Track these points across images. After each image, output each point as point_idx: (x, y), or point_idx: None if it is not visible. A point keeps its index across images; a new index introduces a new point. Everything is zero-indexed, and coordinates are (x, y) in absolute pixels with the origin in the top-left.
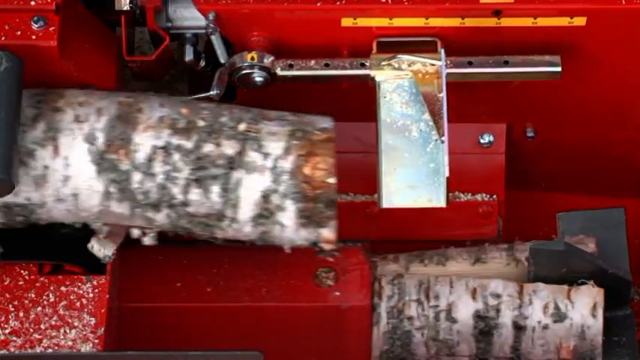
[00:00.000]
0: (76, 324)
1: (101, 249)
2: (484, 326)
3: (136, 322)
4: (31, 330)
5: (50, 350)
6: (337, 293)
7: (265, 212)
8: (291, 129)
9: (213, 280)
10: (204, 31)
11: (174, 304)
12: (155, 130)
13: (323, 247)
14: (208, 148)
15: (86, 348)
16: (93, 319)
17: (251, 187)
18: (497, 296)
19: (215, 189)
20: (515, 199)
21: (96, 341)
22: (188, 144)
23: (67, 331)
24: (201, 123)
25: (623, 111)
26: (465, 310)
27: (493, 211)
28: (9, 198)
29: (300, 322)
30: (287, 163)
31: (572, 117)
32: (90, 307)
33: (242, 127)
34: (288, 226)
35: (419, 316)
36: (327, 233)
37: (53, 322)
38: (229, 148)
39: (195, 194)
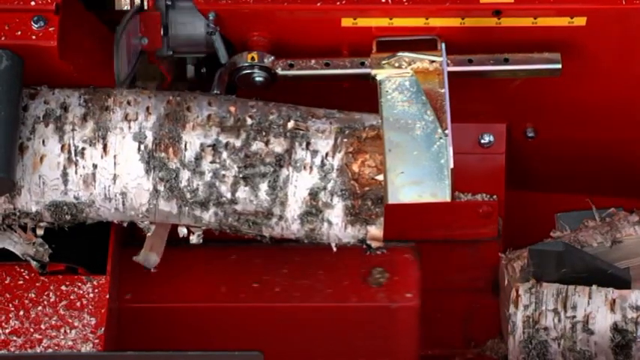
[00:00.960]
0: (76, 324)
1: (146, 260)
2: (621, 339)
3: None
4: (32, 330)
5: (50, 350)
6: (386, 293)
7: (313, 210)
8: (339, 126)
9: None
10: (204, 55)
11: (214, 304)
12: (203, 128)
13: (371, 244)
14: (257, 145)
15: (86, 348)
16: (93, 319)
17: (299, 185)
18: (637, 309)
19: (263, 187)
20: (516, 199)
21: (96, 341)
22: (237, 142)
23: (68, 331)
24: (249, 121)
25: (623, 111)
26: (603, 321)
27: (493, 211)
28: (58, 196)
29: (348, 322)
30: (335, 161)
31: (572, 117)
32: (90, 307)
33: (291, 124)
34: (336, 224)
35: (555, 327)
36: (375, 230)
37: (53, 322)
38: (278, 145)
39: (243, 192)
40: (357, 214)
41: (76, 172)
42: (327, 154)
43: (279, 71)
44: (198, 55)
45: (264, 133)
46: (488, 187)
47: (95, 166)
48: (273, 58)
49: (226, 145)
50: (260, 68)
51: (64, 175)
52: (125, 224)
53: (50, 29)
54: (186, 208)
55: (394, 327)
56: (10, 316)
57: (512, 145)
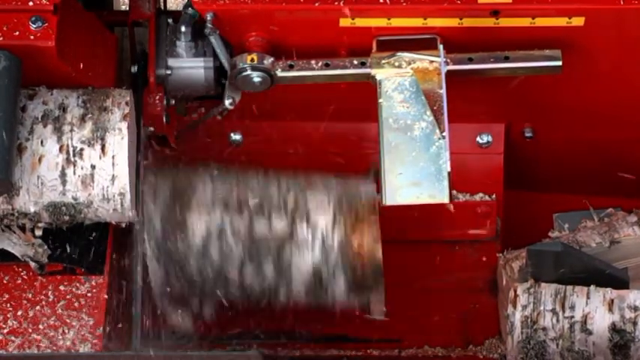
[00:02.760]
0: (74, 324)
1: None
2: (619, 339)
3: None
4: (30, 330)
5: (49, 350)
6: None
7: (317, 284)
8: (336, 199)
9: None
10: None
11: None
12: None
13: (373, 313)
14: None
15: (84, 348)
16: (91, 319)
17: (302, 263)
18: (635, 309)
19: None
20: (514, 199)
21: (94, 341)
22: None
23: (66, 331)
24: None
25: (621, 111)
26: (601, 322)
27: (492, 211)
28: (56, 197)
29: None
30: (335, 236)
31: (571, 117)
32: (88, 307)
33: (290, 205)
34: (339, 295)
35: (553, 327)
36: (376, 299)
37: (52, 322)
38: (279, 222)
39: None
40: (359, 284)
41: (74, 173)
42: (326, 230)
43: (279, 73)
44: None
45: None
46: (487, 187)
47: (94, 167)
48: (272, 59)
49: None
50: (260, 70)
51: (63, 175)
52: (124, 225)
53: (48, 29)
54: None
55: None
56: (9, 316)
57: (510, 145)
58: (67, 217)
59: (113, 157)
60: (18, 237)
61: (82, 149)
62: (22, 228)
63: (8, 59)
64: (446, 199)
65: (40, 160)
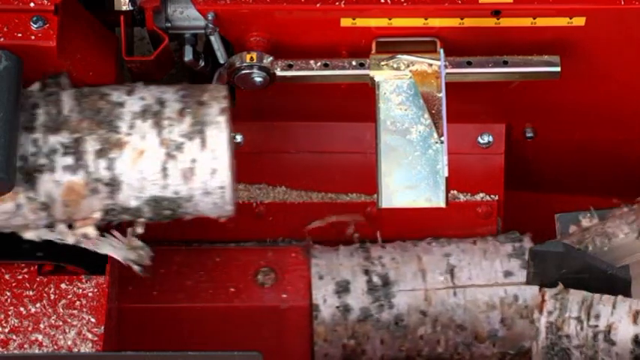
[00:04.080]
0: (75, 323)
1: None
2: None
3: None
4: (31, 329)
5: (49, 350)
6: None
7: None
8: None
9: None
10: (203, 31)
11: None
12: None
13: None
14: None
15: (85, 348)
16: (92, 318)
17: None
18: None
19: None
20: (515, 200)
21: (95, 340)
22: None
23: (67, 330)
24: None
25: (622, 111)
26: (625, 333)
27: (492, 212)
28: (157, 191)
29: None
30: None
31: (572, 117)
32: (89, 306)
33: None
34: None
35: (577, 335)
36: None
37: (52, 322)
38: None
39: None
40: None
41: (175, 167)
42: None
43: (278, 72)
44: (197, 31)
45: None
46: (488, 188)
47: (194, 161)
48: (272, 58)
49: None
50: (259, 68)
51: (164, 169)
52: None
53: (49, 30)
54: None
55: (285, 328)
56: (9, 314)
57: (511, 146)
58: (167, 212)
59: (213, 150)
60: (119, 241)
61: (182, 143)
62: (123, 231)
63: (9, 59)
64: (442, 204)
65: (141, 154)
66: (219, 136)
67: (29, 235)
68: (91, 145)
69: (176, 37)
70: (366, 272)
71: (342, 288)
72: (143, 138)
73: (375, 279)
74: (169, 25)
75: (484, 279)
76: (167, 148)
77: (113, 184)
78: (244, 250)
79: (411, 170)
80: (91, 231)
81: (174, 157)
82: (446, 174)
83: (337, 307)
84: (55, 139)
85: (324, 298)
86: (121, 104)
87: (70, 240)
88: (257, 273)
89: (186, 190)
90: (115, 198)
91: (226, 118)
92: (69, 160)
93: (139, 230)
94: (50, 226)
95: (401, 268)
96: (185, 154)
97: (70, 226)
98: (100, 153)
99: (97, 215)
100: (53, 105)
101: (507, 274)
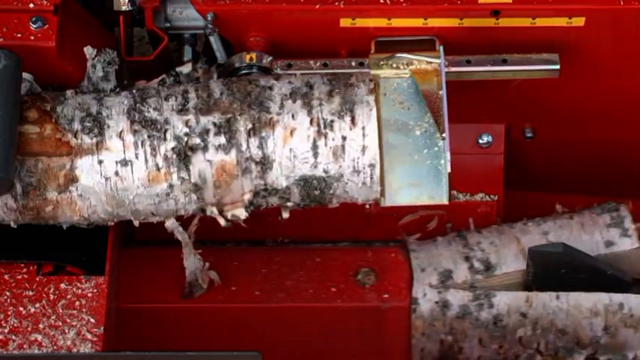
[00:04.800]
0: (74, 323)
1: None
2: None
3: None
4: (30, 329)
5: (49, 350)
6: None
7: None
8: None
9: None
10: (202, 31)
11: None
12: None
13: None
14: None
15: (85, 348)
16: (92, 318)
17: None
18: None
19: None
20: (514, 200)
21: (95, 340)
22: None
23: (66, 330)
24: None
25: (622, 111)
26: None
27: (492, 212)
28: (307, 170)
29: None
30: None
31: (571, 117)
32: (89, 306)
33: None
34: None
35: None
36: None
37: (52, 322)
38: None
39: None
40: None
41: (325, 145)
42: None
43: (278, 72)
44: (196, 30)
45: None
46: (487, 188)
47: (344, 138)
48: (271, 58)
49: None
50: (259, 68)
51: (314, 147)
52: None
53: (49, 30)
54: None
55: (385, 328)
56: (9, 315)
57: (510, 146)
58: (317, 192)
59: (363, 128)
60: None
61: (332, 121)
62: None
63: (8, 59)
64: (445, 200)
65: (291, 133)
66: (368, 114)
67: (168, 224)
68: (242, 125)
69: (176, 38)
70: (467, 259)
71: (445, 277)
72: (293, 117)
73: (477, 264)
74: (169, 25)
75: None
76: (317, 127)
77: (264, 163)
78: (343, 250)
79: (414, 168)
80: (242, 212)
81: (324, 135)
82: (448, 170)
83: (436, 303)
84: (207, 120)
85: (424, 293)
86: (270, 87)
87: (222, 222)
88: (357, 273)
89: (336, 169)
90: (265, 178)
91: (375, 99)
92: (221, 140)
93: (285, 215)
94: (201, 211)
95: (501, 251)
96: (335, 132)
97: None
98: (252, 132)
99: (247, 197)
100: (203, 90)
101: (608, 244)
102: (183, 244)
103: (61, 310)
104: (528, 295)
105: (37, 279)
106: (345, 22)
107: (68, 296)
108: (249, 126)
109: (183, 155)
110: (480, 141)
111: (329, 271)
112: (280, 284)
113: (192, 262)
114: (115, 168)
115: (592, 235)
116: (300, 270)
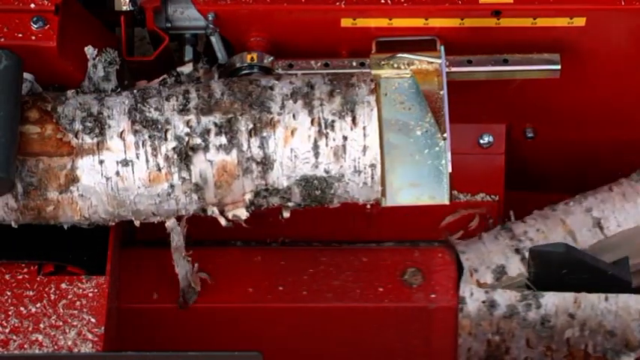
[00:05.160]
0: (75, 323)
1: None
2: None
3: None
4: (31, 329)
5: (49, 350)
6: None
7: None
8: None
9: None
10: (203, 31)
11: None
12: None
13: None
14: None
15: (86, 348)
16: (93, 318)
17: None
18: None
19: None
20: (515, 200)
21: (95, 340)
22: None
23: (67, 330)
24: None
25: (622, 111)
26: None
27: (492, 212)
28: (308, 170)
29: (385, 322)
30: None
31: (572, 117)
32: (90, 306)
33: None
34: None
35: None
36: None
37: (53, 322)
38: None
39: None
40: None
41: (326, 145)
42: None
43: (279, 72)
44: (197, 31)
45: None
46: (488, 188)
47: (345, 138)
48: (272, 58)
49: None
50: (260, 68)
51: (315, 147)
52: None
53: (50, 30)
54: None
55: (432, 328)
56: (10, 314)
57: (511, 146)
58: (317, 192)
59: (364, 128)
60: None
61: (333, 121)
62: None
63: (9, 59)
64: (446, 200)
65: (292, 133)
66: (369, 114)
67: (169, 224)
68: (243, 125)
69: (176, 38)
70: (517, 251)
71: (500, 273)
72: (294, 117)
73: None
74: (170, 25)
75: (632, 221)
76: (318, 127)
77: (265, 163)
78: (389, 250)
79: (414, 168)
80: (243, 212)
81: (325, 136)
82: (449, 170)
83: (483, 302)
84: (208, 120)
85: (471, 292)
86: (271, 87)
87: (223, 222)
88: (404, 273)
89: (337, 169)
90: (266, 178)
91: (376, 98)
92: (222, 140)
93: (286, 215)
94: (202, 211)
95: (549, 236)
96: (336, 132)
97: (222, 212)
98: (253, 132)
99: (248, 197)
100: (204, 90)
101: None
102: (173, 248)
103: (61, 310)
104: (577, 296)
105: (38, 279)
106: (346, 22)
107: (69, 296)
108: (250, 126)
109: (184, 155)
110: (481, 141)
111: (376, 271)
112: (328, 284)
113: (182, 265)
114: (115, 168)
115: (635, 202)
116: (347, 270)
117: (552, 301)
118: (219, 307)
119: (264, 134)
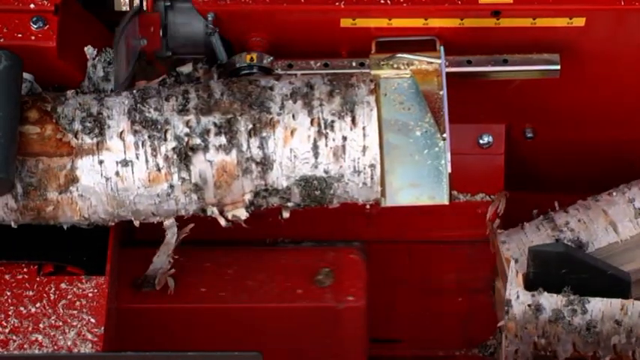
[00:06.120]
0: (75, 323)
1: None
2: None
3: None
4: (30, 329)
5: (49, 350)
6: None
7: None
8: None
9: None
10: (203, 56)
11: (171, 305)
12: None
13: None
14: None
15: (85, 348)
16: (92, 318)
17: None
18: None
19: None
20: (515, 200)
21: (95, 340)
22: None
23: (67, 330)
24: None
25: (622, 111)
26: None
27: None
28: (308, 170)
29: (295, 322)
30: None
31: (571, 117)
32: (89, 306)
33: None
34: None
35: None
36: None
37: (52, 322)
38: None
39: None
40: None
41: (326, 145)
42: None
43: (279, 72)
44: (198, 56)
45: None
46: (488, 188)
47: (345, 139)
48: (272, 58)
49: None
50: (259, 69)
51: (315, 147)
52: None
53: (49, 30)
54: None
55: (341, 328)
56: (9, 314)
57: (511, 146)
58: (317, 193)
59: (363, 128)
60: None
61: (332, 121)
62: None
63: (9, 59)
64: (445, 201)
65: (292, 133)
66: (369, 114)
67: (167, 222)
68: (243, 125)
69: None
70: (558, 241)
71: None
72: (294, 117)
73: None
74: (170, 53)
75: None
76: (318, 127)
77: (265, 163)
78: (305, 250)
79: (414, 168)
80: (242, 212)
81: (325, 136)
82: (449, 170)
83: (529, 306)
84: (208, 120)
85: (517, 295)
86: (271, 87)
87: (222, 223)
88: (318, 273)
89: (336, 169)
90: (266, 178)
91: (375, 99)
92: (222, 140)
93: (285, 215)
94: (201, 211)
95: (590, 227)
96: (336, 133)
97: (221, 212)
98: (253, 132)
99: (247, 197)
100: (203, 90)
101: None
102: (164, 242)
103: (61, 310)
104: (624, 303)
105: (38, 279)
106: (345, 23)
107: (68, 296)
108: (250, 126)
109: (184, 155)
110: (481, 141)
111: (290, 271)
112: (244, 285)
113: (161, 261)
114: (115, 168)
115: None
116: (262, 271)
117: (598, 306)
118: (172, 308)
119: (264, 134)
